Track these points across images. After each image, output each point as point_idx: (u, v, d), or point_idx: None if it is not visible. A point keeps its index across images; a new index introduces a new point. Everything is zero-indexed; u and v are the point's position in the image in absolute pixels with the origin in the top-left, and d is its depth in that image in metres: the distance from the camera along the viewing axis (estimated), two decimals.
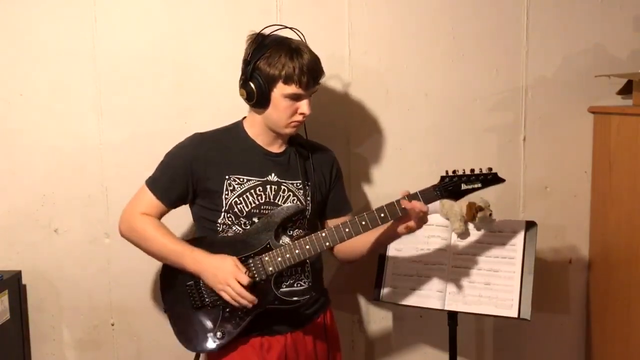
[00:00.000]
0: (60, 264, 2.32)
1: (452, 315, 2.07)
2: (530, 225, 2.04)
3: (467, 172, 1.77)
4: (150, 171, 1.91)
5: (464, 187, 1.76)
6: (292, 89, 1.77)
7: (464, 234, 2.09)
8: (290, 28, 1.87)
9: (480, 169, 1.78)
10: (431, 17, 2.31)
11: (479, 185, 1.76)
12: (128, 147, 2.28)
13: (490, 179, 1.77)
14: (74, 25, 2.22)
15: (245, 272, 1.76)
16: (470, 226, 2.09)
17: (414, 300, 2.09)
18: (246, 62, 1.81)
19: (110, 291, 2.35)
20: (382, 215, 1.77)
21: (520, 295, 1.97)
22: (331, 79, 2.30)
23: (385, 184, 2.39)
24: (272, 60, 1.76)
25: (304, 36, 1.86)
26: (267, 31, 1.84)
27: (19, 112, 2.25)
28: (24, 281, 2.32)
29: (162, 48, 2.25)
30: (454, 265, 2.07)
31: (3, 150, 2.27)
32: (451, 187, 1.76)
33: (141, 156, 2.24)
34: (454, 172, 1.78)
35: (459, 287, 2.04)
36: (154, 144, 2.23)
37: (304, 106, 1.81)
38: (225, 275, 1.74)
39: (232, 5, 2.25)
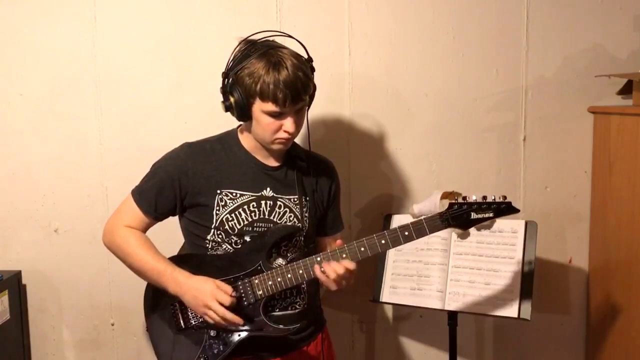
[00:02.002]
0: (60, 264, 2.32)
1: (452, 315, 2.07)
2: (530, 225, 2.04)
3: (479, 199, 1.63)
4: None
5: (474, 216, 1.62)
6: (270, 106, 1.62)
7: (464, 234, 2.08)
8: (285, 34, 1.74)
9: (494, 197, 1.64)
10: (431, 17, 2.31)
11: (491, 214, 1.63)
12: (128, 147, 2.28)
13: (504, 208, 1.63)
14: (74, 25, 2.23)
15: (232, 293, 1.65)
16: None
17: (414, 300, 2.09)
18: (225, 75, 1.69)
19: (110, 291, 2.35)
20: (383, 241, 1.65)
21: (520, 295, 1.97)
22: (331, 79, 2.30)
23: (385, 185, 2.39)
24: (251, 72, 1.62)
25: (300, 42, 1.73)
26: (262, 36, 1.69)
27: (19, 112, 2.26)
28: (24, 281, 2.32)
29: (162, 48, 2.25)
30: (454, 265, 2.07)
31: (3, 150, 2.27)
32: (459, 216, 1.62)
33: (141, 156, 2.24)
34: (464, 198, 1.63)
35: (459, 287, 2.04)
36: (154, 144, 2.23)
37: (287, 123, 1.66)
38: (205, 296, 1.63)
39: (232, 5, 2.25)
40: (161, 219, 1.80)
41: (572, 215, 2.46)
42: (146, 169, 1.81)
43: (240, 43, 1.69)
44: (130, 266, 1.77)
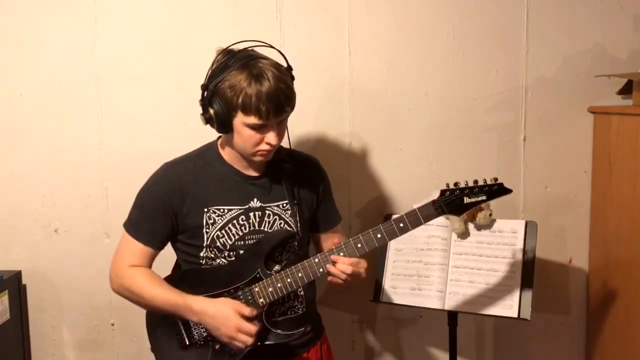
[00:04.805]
0: (60, 264, 2.33)
1: (452, 315, 2.07)
2: (530, 225, 2.04)
3: (470, 183, 1.63)
4: (150, 172, 1.82)
5: (467, 200, 1.61)
6: (253, 119, 1.58)
7: (464, 234, 2.09)
8: (265, 44, 1.70)
9: (485, 180, 1.63)
10: (431, 17, 2.31)
11: (484, 197, 1.62)
12: (128, 147, 2.28)
13: (496, 190, 1.62)
14: (74, 25, 2.23)
15: (253, 313, 1.64)
16: (470, 226, 2.09)
17: (414, 300, 2.09)
18: (204, 87, 1.64)
19: (110, 291, 2.33)
20: (379, 235, 1.65)
21: (520, 295, 1.97)
22: (331, 79, 2.30)
23: (385, 185, 2.39)
24: (232, 85, 1.58)
25: (279, 51, 1.72)
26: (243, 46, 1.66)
27: (19, 112, 2.26)
28: (24, 281, 2.32)
29: (162, 48, 2.25)
30: (454, 265, 2.07)
31: (3, 150, 2.27)
32: (452, 202, 1.62)
33: (141, 156, 2.24)
34: (455, 184, 1.63)
35: (459, 287, 2.04)
36: (154, 144, 2.24)
37: (269, 136, 1.63)
38: (229, 331, 1.62)
39: (232, 5, 2.25)
40: (162, 247, 1.78)
41: (572, 215, 2.46)
42: (146, 169, 1.80)
43: (219, 54, 1.66)
44: (144, 304, 1.75)
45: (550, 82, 2.38)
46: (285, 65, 1.68)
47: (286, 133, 1.73)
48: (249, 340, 1.62)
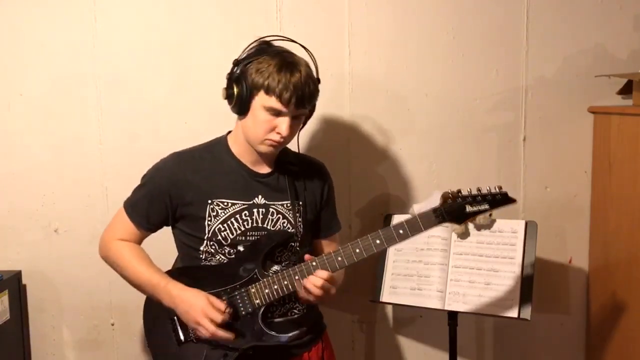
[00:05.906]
0: (60, 264, 2.32)
1: (452, 315, 2.07)
2: (530, 225, 2.04)
3: (474, 191, 1.60)
4: None
5: (468, 209, 1.59)
6: (272, 102, 1.61)
7: (464, 234, 2.09)
8: (306, 49, 1.75)
9: (489, 188, 1.61)
10: (431, 17, 2.31)
11: (487, 206, 1.60)
12: (128, 147, 2.28)
13: (500, 199, 1.60)
14: (74, 25, 2.23)
15: (225, 309, 1.64)
16: (470, 226, 2.09)
17: (414, 300, 2.09)
18: (236, 62, 1.68)
19: (110, 291, 2.35)
20: (378, 241, 1.63)
21: (520, 295, 1.97)
22: (331, 79, 2.30)
23: (385, 185, 2.39)
24: (261, 67, 1.62)
25: (312, 55, 1.75)
26: (275, 40, 1.73)
27: (19, 112, 2.25)
28: (24, 281, 2.32)
29: (162, 48, 2.25)
30: (454, 265, 2.07)
31: (3, 150, 2.27)
32: (454, 210, 1.59)
33: (141, 156, 2.23)
34: (458, 191, 1.60)
35: (459, 287, 2.04)
36: (154, 144, 2.24)
37: (282, 125, 1.63)
38: (196, 314, 1.62)
39: (232, 5, 2.25)
40: (154, 231, 1.80)
41: (572, 215, 2.46)
42: (146, 169, 1.81)
43: (258, 39, 1.71)
44: (126, 279, 1.78)
45: (550, 82, 2.38)
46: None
47: (297, 138, 1.76)
48: (212, 328, 1.61)
